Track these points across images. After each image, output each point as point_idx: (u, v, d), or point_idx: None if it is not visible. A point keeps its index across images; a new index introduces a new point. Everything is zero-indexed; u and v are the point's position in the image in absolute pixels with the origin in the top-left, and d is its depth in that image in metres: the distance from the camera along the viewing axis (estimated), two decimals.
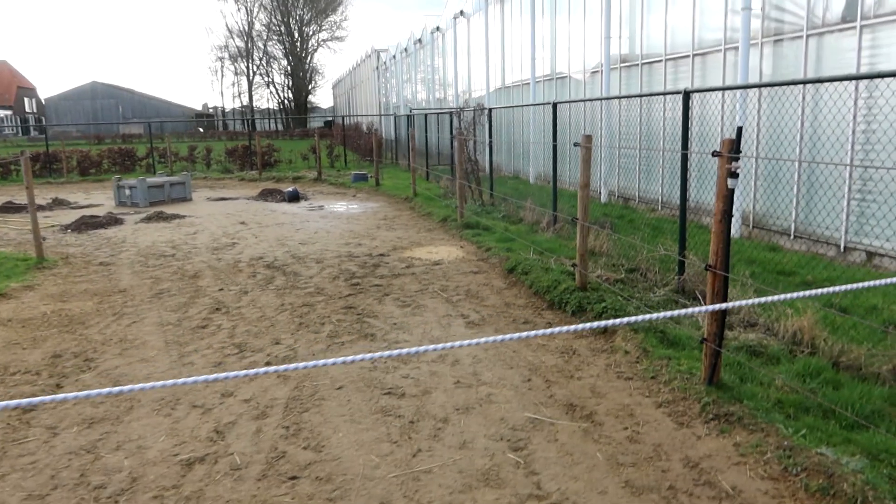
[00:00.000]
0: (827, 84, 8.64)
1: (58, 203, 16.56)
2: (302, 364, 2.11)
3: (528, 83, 18.70)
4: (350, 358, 2.11)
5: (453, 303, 6.96)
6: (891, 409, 4.12)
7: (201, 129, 61.40)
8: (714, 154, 4.14)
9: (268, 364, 5.36)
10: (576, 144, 6.30)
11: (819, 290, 2.59)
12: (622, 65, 14.23)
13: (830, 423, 3.91)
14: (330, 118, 61.15)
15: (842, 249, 8.68)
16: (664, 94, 7.98)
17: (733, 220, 10.45)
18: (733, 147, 4.07)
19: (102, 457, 3.97)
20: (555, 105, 10.19)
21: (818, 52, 9.20)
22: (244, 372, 2.02)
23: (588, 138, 6.26)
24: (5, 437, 4.24)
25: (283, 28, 70.20)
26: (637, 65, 13.66)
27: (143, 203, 15.69)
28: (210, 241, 10.94)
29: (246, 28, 69.93)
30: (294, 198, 16.10)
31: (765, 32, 10.09)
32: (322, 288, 7.68)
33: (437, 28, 28.07)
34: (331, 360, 2.10)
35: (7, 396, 4.89)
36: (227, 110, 78.44)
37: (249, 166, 24.21)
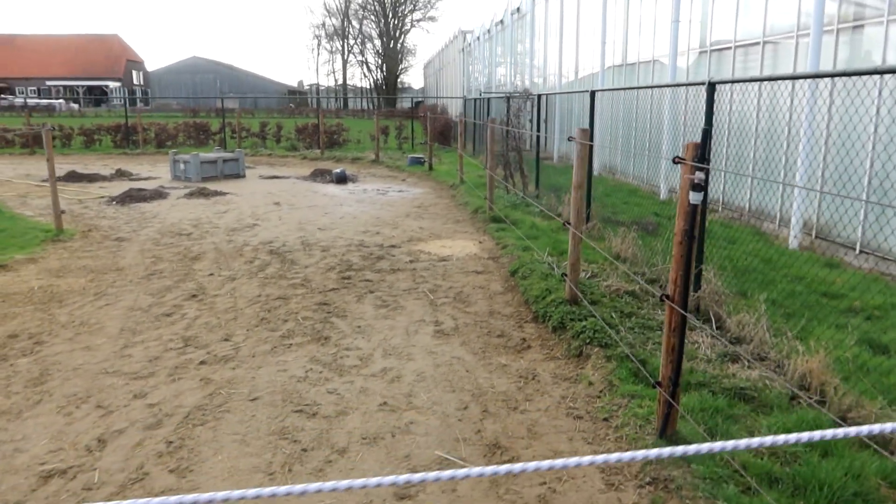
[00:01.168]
0: None
1: (119, 174, 17.00)
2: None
3: (615, 69, 17.62)
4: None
5: (436, 306, 6.38)
6: (887, 492, 3.27)
7: (293, 106, 62.78)
8: (675, 161, 3.37)
9: (202, 363, 4.99)
10: (570, 139, 5.54)
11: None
12: (690, 51, 13.04)
13: None
14: (420, 98, 61.14)
15: None
16: (687, 84, 7.03)
17: (792, 228, 9.34)
18: (697, 154, 3.29)
19: None
20: (592, 93, 9.33)
21: None
22: None
23: (584, 132, 5.49)
24: None
25: (378, 7, 70.61)
26: (706, 51, 12.46)
27: (195, 178, 15.85)
28: (233, 221, 10.77)
29: (343, 7, 70.79)
30: (341, 179, 15.84)
31: (842, 18, 8.82)
32: (310, 279, 7.27)
33: (518, 9, 27.10)
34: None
35: None
36: (321, 88, 79.94)
37: (316, 145, 24.27)
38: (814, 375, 4.45)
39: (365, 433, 3.92)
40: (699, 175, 3.28)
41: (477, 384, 4.62)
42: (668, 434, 3.65)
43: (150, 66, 75.41)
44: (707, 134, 3.26)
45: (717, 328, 5.66)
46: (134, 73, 71.95)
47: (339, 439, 3.85)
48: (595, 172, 17.96)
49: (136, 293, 6.84)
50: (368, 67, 75.63)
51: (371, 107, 66.42)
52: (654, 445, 3.60)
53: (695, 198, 3.33)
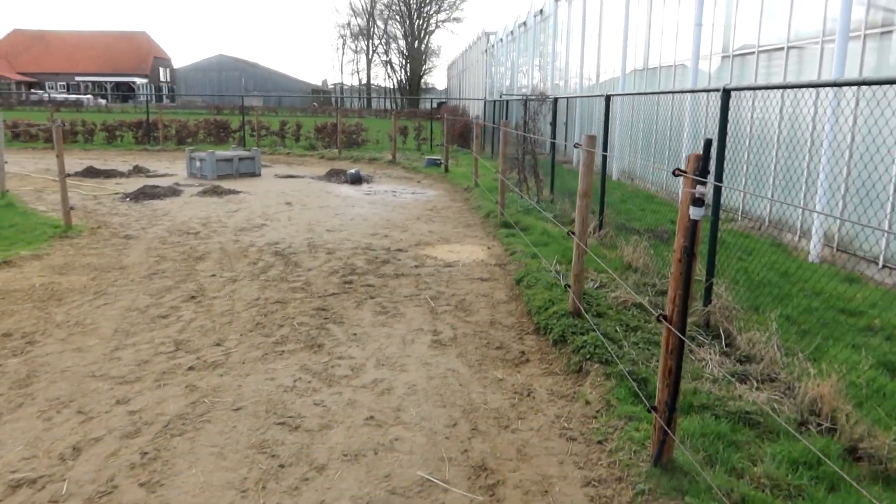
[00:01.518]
0: None
1: (137, 171, 17.06)
2: None
3: (636, 73, 17.34)
4: None
5: (437, 314, 6.21)
6: None
7: (316, 105, 63.03)
8: (676, 173, 3.17)
9: (190, 369, 4.87)
10: (576, 146, 5.35)
11: None
12: (713, 55, 12.74)
13: None
14: (442, 99, 61.12)
15: None
16: (704, 90, 6.79)
17: (812, 240, 9.03)
18: (699, 166, 3.09)
19: None
20: (608, 98, 9.11)
21: None
22: None
23: (591, 139, 5.29)
24: None
25: (403, 7, 70.69)
26: (729, 56, 12.16)
27: (211, 176, 15.85)
28: (243, 221, 10.70)
29: (368, 7, 70.98)
30: (356, 180, 15.73)
31: (869, 24, 8.51)
32: (311, 283, 7.14)
33: (541, 11, 26.85)
34: None
35: None
36: (345, 87, 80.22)
37: (335, 144, 24.23)
38: (825, 400, 4.21)
39: (347, 449, 3.76)
40: (700, 189, 3.08)
41: (469, 399, 4.45)
42: (663, 462, 3.45)
43: (177, 64, 76.29)
44: (710, 144, 3.05)
45: (726, 345, 5.43)
46: (161, 70, 72.78)
47: (319, 455, 3.70)
48: (613, 177, 17.70)
49: (135, 293, 6.76)
50: (392, 67, 75.86)
51: (394, 107, 66.47)
52: (649, 474, 3.40)
53: (696, 213, 3.13)
